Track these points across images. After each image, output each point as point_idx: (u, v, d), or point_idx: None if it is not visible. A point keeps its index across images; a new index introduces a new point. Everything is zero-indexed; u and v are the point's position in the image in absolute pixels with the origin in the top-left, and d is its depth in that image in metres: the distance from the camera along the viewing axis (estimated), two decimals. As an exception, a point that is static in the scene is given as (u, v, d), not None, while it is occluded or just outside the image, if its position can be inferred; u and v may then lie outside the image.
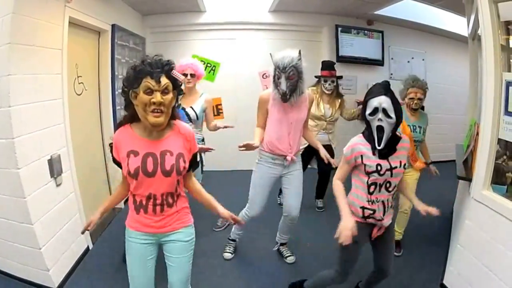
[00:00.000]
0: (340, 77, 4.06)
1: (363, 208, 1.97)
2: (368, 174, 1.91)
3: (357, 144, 1.94)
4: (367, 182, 1.93)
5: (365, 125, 1.96)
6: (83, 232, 1.93)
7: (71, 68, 3.08)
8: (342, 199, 1.95)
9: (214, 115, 5.09)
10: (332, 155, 3.71)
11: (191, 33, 5.23)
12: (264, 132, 2.73)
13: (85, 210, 3.05)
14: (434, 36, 5.93)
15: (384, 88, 1.90)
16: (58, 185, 2.64)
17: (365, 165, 1.90)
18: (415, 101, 2.90)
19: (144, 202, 1.68)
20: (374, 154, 1.90)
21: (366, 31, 5.50)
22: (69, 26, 2.84)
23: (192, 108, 3.11)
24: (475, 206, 2.34)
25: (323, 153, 2.70)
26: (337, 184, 2.02)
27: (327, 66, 4.01)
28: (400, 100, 2.77)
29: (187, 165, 1.69)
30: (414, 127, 2.93)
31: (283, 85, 2.44)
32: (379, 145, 1.87)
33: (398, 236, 3.13)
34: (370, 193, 1.95)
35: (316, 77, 3.95)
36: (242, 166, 5.51)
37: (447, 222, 3.64)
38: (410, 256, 3.09)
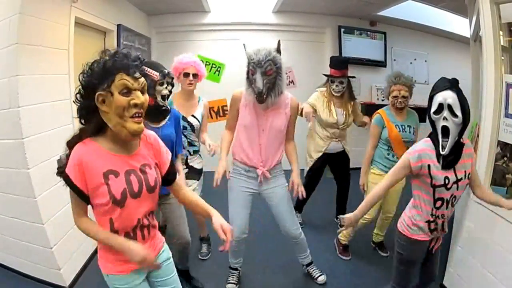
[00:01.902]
0: (353, 77, 3.37)
1: (428, 222, 1.75)
2: (434, 187, 1.66)
3: (425, 150, 1.66)
4: (433, 196, 1.69)
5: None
6: None
7: (78, 69, 3.04)
8: (364, 205, 1.81)
9: (220, 116, 5.11)
10: (348, 162, 3.40)
11: (195, 34, 5.27)
12: (234, 137, 2.37)
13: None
14: (437, 37, 5.92)
15: (450, 82, 1.62)
16: (67, 185, 2.67)
17: (432, 177, 1.65)
18: (399, 99, 2.68)
19: (131, 233, 1.36)
20: (438, 161, 1.64)
21: (368, 32, 5.51)
22: (75, 26, 2.83)
23: (194, 117, 2.68)
24: (475, 208, 2.35)
25: (296, 181, 2.28)
26: (375, 189, 1.79)
27: (336, 63, 3.27)
28: (385, 108, 2.81)
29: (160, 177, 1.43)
30: (403, 127, 2.74)
31: (259, 83, 2.04)
32: (443, 150, 1.61)
33: (379, 238, 3.16)
34: (437, 208, 1.71)
35: (324, 75, 3.38)
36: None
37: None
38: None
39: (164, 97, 2.12)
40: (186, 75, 2.62)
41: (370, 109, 5.40)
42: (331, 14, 5.29)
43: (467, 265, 2.39)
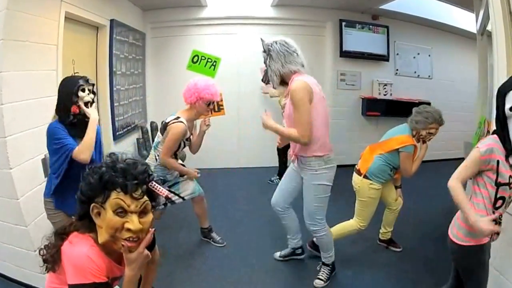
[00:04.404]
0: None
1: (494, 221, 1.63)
2: (498, 185, 1.59)
3: (496, 145, 1.59)
4: (495, 194, 1.61)
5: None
6: None
7: (68, 64, 3.02)
8: (466, 204, 1.60)
9: (215, 111, 5.02)
10: None
11: (192, 28, 5.14)
12: None
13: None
14: (441, 31, 5.81)
15: None
16: (53, 185, 2.56)
17: (498, 173, 1.58)
18: (431, 137, 2.68)
19: None
20: (507, 161, 1.57)
21: (371, 26, 5.37)
22: (65, 21, 2.77)
23: (192, 134, 2.95)
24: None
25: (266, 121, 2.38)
26: (459, 188, 1.61)
27: None
28: (408, 131, 2.64)
29: None
30: None
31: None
32: None
33: (388, 235, 3.07)
34: (496, 208, 1.63)
35: None
36: (242, 164, 5.46)
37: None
38: (417, 256, 2.99)
39: (87, 105, 2.01)
40: (210, 104, 2.76)
41: (371, 104, 5.32)
42: (332, 8, 5.16)
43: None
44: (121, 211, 1.11)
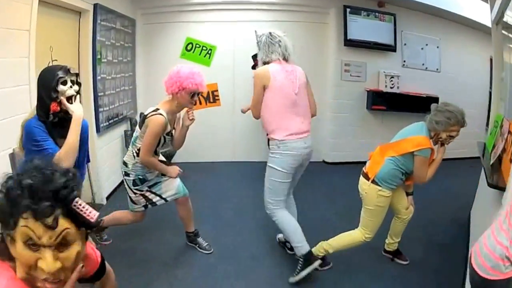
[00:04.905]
0: None
1: None
2: None
3: None
4: None
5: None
6: None
7: (44, 51, 2.79)
8: None
9: (210, 102, 4.82)
10: None
11: (186, 14, 4.80)
12: None
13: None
14: (450, 22, 5.46)
15: None
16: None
17: None
18: (451, 140, 2.37)
19: None
20: None
21: (377, 14, 5.02)
22: (43, 6, 2.59)
23: (174, 128, 2.63)
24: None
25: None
26: None
27: None
28: (425, 132, 2.31)
29: None
30: None
31: None
32: None
33: (395, 246, 2.78)
34: None
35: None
36: (238, 157, 5.21)
37: (462, 228, 3.29)
38: (425, 267, 2.72)
39: (70, 99, 1.74)
40: (194, 95, 2.43)
41: (376, 97, 5.02)
42: (336, -7, 4.83)
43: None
44: (33, 243, 0.81)
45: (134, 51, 4.53)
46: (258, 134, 4.83)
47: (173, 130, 2.57)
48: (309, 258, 2.40)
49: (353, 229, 2.50)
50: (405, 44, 5.33)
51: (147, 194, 2.55)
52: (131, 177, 2.48)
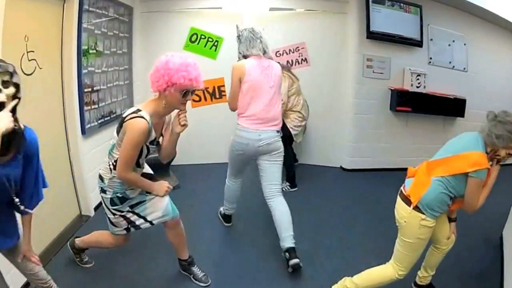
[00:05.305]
0: None
1: None
2: None
3: None
4: None
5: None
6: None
7: (17, 42, 2.34)
8: None
9: (215, 98, 4.44)
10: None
11: (190, 2, 4.30)
12: None
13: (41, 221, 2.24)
14: (476, 18, 4.96)
15: None
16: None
17: None
18: (508, 157, 1.88)
19: None
20: None
21: (402, 4, 4.51)
22: None
23: (162, 136, 2.13)
24: None
25: None
26: None
27: None
28: (482, 146, 1.82)
29: None
30: None
31: None
32: None
33: (428, 279, 2.29)
34: None
35: None
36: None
37: (495, 251, 2.84)
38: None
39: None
40: (187, 93, 1.87)
41: (402, 97, 4.49)
42: (357, -20, 4.34)
43: None
44: None
45: (131, 42, 4.05)
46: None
47: (161, 138, 2.05)
48: (226, 219, 3.12)
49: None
50: (431, 40, 4.79)
51: (129, 215, 2.05)
52: (108, 195, 1.99)
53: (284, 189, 3.78)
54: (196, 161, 4.59)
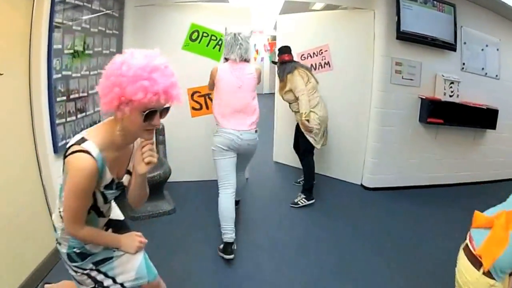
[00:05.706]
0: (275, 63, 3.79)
1: None
2: None
3: None
4: None
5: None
6: None
7: None
8: None
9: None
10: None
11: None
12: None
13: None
14: (511, 23, 4.51)
15: None
16: None
17: None
18: None
19: None
20: None
21: (435, 2, 3.96)
22: None
23: (129, 172, 1.48)
24: None
25: None
26: None
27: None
28: None
29: None
30: None
31: None
32: None
33: None
34: None
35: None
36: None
37: None
38: None
39: None
40: (152, 115, 1.23)
41: (434, 107, 3.93)
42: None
43: None
44: None
45: (121, 40, 3.48)
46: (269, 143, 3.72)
47: (124, 177, 1.44)
48: (226, 248, 2.66)
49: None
50: (465, 43, 4.26)
51: (93, 274, 1.48)
52: (64, 250, 1.43)
53: (299, 202, 3.61)
54: (195, 178, 4.07)
